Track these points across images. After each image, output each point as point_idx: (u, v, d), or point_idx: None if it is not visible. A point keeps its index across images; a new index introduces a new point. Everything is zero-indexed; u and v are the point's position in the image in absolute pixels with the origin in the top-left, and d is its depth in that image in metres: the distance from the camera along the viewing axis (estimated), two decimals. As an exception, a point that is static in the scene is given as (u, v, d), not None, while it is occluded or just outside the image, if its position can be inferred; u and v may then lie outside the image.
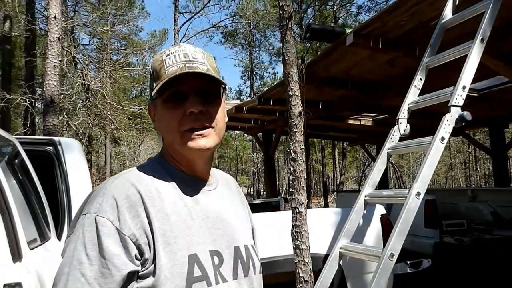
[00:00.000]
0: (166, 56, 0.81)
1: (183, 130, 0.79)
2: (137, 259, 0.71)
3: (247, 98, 28.67)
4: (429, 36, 2.67)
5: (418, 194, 1.94)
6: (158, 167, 0.83)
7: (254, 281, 0.88)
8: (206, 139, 0.80)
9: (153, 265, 0.72)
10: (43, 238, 1.97)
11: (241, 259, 0.85)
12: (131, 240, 0.71)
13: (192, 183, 0.84)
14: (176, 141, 0.80)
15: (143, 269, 0.72)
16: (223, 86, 0.84)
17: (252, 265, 0.88)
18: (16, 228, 1.55)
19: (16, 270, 1.50)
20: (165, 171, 0.83)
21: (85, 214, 0.73)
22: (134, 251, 0.71)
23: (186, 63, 0.80)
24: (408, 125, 2.41)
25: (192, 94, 0.79)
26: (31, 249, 1.64)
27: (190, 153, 0.81)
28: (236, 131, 22.21)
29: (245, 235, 0.91)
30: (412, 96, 2.43)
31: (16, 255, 1.53)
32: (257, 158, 25.86)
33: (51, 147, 2.42)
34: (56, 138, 2.50)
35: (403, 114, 2.41)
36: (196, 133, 0.79)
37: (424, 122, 6.03)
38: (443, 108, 2.14)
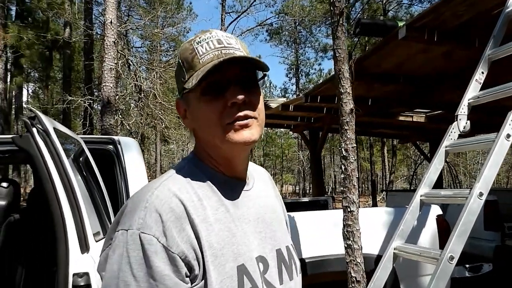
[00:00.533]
0: (197, 44, 0.74)
1: (226, 124, 0.71)
2: (187, 276, 0.66)
3: (292, 95, 28.58)
4: (490, 27, 2.51)
5: (481, 194, 1.83)
6: (195, 169, 0.76)
7: (298, 283, 0.85)
8: (251, 131, 0.72)
9: (203, 281, 0.67)
10: (105, 231, 2.10)
11: (284, 262, 0.82)
12: (180, 258, 0.65)
13: (232, 185, 0.78)
14: (217, 136, 0.72)
15: (193, 285, 0.67)
16: (266, 72, 0.76)
17: (295, 266, 0.85)
18: (84, 222, 1.66)
19: (84, 261, 1.62)
20: (203, 174, 0.76)
21: (126, 230, 0.66)
22: (184, 270, 0.65)
23: (221, 49, 0.72)
24: (468, 122, 2.28)
25: (233, 83, 0.71)
26: (96, 241, 1.76)
27: (234, 147, 0.73)
28: (281, 129, 22.20)
29: (284, 235, 0.87)
30: (473, 90, 2.30)
31: (84, 246, 1.64)
32: (302, 156, 25.68)
33: (111, 146, 2.57)
34: (115, 137, 2.65)
35: (462, 110, 2.28)
36: (240, 123, 0.71)
37: (484, 118, 5.68)
38: (507, 102, 2.01)
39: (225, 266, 0.69)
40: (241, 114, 0.71)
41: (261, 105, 0.76)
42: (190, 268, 0.66)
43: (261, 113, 0.76)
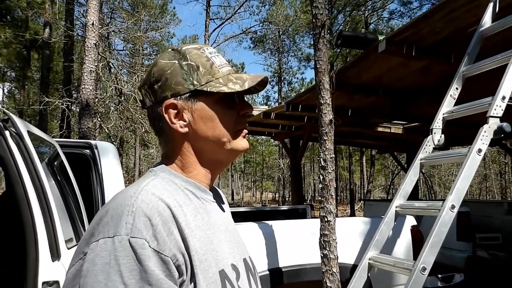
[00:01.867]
0: (210, 54, 0.80)
1: (236, 130, 0.80)
2: (178, 281, 0.66)
3: (274, 103, 28.74)
4: (465, 44, 2.60)
5: (453, 207, 1.88)
6: (168, 178, 0.77)
7: None
8: (246, 141, 0.83)
9: (192, 285, 0.67)
10: (79, 237, 2.05)
11: (251, 271, 0.84)
12: (172, 262, 0.64)
13: (203, 195, 0.80)
14: (227, 140, 0.79)
15: None
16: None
17: (258, 277, 0.88)
18: (56, 228, 1.62)
19: (54, 269, 1.57)
20: (177, 182, 0.77)
21: (111, 238, 0.63)
22: (176, 274, 0.65)
23: (228, 66, 0.83)
24: (443, 136, 2.35)
25: (242, 96, 0.82)
26: (68, 248, 1.71)
27: (235, 153, 0.81)
28: (262, 136, 22.25)
29: (244, 246, 0.90)
30: (447, 105, 2.37)
31: (55, 254, 1.59)
32: (283, 164, 25.77)
33: (88, 150, 2.52)
34: (93, 142, 2.60)
35: (437, 124, 2.35)
36: (243, 133, 0.82)
37: (458, 132, 5.84)
38: (479, 117, 2.08)
39: (209, 271, 0.70)
40: (247, 125, 0.83)
41: None
42: (180, 273, 0.66)
43: None
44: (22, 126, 1.70)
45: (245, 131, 0.82)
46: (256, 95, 32.92)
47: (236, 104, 0.81)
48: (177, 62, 0.78)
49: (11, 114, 1.67)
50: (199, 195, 0.78)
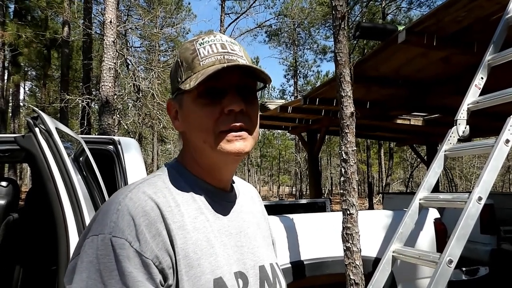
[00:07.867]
0: (200, 45, 0.71)
1: (219, 132, 0.69)
2: (161, 285, 0.62)
3: (290, 97, 28.63)
4: (489, 32, 2.53)
5: (480, 199, 1.85)
6: (176, 175, 0.73)
7: None
8: (244, 142, 0.70)
9: None
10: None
11: (267, 280, 0.77)
12: (154, 264, 0.61)
13: (213, 195, 0.75)
14: (208, 143, 0.70)
15: None
16: (268, 83, 0.74)
17: (279, 285, 0.80)
18: (85, 222, 1.66)
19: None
20: (184, 180, 0.73)
21: (96, 235, 0.62)
22: (159, 277, 0.61)
23: (224, 54, 0.70)
24: (468, 126, 2.30)
25: (231, 91, 0.69)
26: (97, 241, 1.75)
27: (225, 157, 0.70)
28: (278, 130, 22.21)
29: (269, 252, 0.83)
30: (472, 96, 2.32)
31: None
32: (299, 158, 25.70)
33: (111, 146, 2.57)
34: (116, 138, 2.65)
35: (462, 115, 2.30)
36: (234, 134, 0.69)
37: (481, 122, 5.71)
38: (506, 107, 2.03)
39: (201, 278, 0.65)
40: (236, 124, 0.69)
41: (257, 117, 0.74)
42: (164, 277, 0.63)
43: (256, 124, 0.74)
44: (51, 123, 1.74)
45: (233, 134, 0.69)
46: (272, 88, 32.82)
47: (223, 100, 0.70)
48: (176, 58, 0.76)
49: (40, 112, 1.72)
50: (207, 195, 0.74)
